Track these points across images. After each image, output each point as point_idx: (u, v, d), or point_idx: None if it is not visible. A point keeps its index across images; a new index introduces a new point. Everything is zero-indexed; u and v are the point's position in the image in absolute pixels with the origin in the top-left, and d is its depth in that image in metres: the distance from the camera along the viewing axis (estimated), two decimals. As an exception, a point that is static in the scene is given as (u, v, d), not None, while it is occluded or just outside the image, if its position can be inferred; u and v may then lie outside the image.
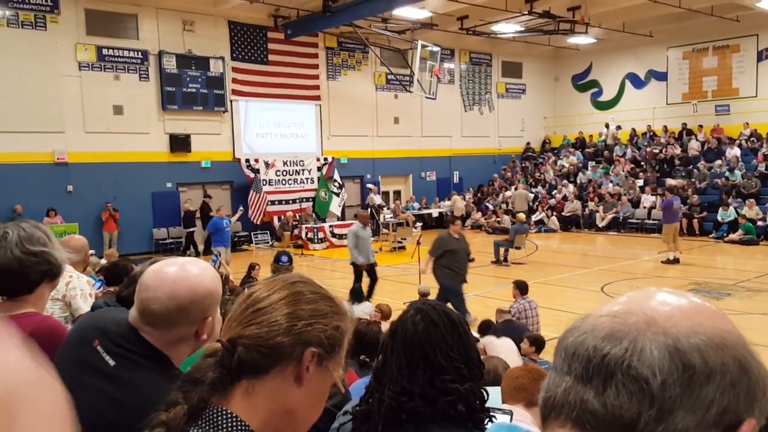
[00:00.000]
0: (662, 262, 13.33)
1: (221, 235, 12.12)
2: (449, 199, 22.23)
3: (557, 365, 0.67)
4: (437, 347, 1.44)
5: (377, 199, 20.00)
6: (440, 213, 21.84)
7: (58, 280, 1.83)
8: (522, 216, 15.90)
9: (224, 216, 12.95)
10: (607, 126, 23.43)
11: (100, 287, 4.10)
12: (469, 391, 1.41)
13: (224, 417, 0.91)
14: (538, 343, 5.46)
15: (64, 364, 1.36)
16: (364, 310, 7.45)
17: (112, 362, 1.35)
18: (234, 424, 0.90)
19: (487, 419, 1.42)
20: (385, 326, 5.69)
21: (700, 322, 0.63)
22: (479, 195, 23.03)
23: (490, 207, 21.52)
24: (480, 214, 21.23)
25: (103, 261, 6.60)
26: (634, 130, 22.63)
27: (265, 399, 0.95)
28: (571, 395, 0.63)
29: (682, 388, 0.60)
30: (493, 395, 1.55)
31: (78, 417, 1.29)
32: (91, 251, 4.65)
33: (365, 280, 9.73)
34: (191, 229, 16.51)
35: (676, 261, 13.17)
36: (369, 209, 19.84)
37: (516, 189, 20.87)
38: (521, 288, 7.51)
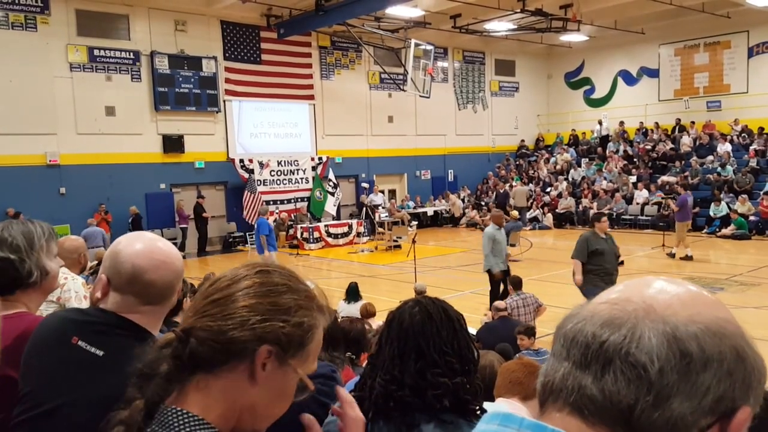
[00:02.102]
0: (681, 258, 13.13)
1: (271, 238, 12.04)
2: (444, 198, 22.26)
3: (556, 351, 0.67)
4: (431, 340, 1.46)
5: (378, 200, 19.97)
6: (435, 212, 21.86)
7: (52, 286, 1.80)
8: (515, 213, 15.94)
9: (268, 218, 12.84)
10: (600, 123, 23.51)
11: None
12: (459, 386, 1.42)
13: (174, 416, 0.86)
14: (530, 332, 5.51)
15: (46, 372, 1.33)
16: (359, 309, 7.42)
17: (100, 352, 1.30)
18: (185, 421, 0.85)
19: (480, 411, 1.43)
20: (375, 323, 5.69)
21: (698, 311, 0.63)
22: (476, 193, 23.07)
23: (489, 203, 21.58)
24: (475, 212, 21.27)
25: (94, 263, 6.58)
26: (623, 125, 22.73)
27: (219, 394, 0.88)
28: (569, 380, 0.64)
29: (680, 375, 0.60)
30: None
31: (87, 418, 1.27)
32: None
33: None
34: None
35: (672, 256, 13.27)
36: (363, 209, 19.86)
37: (515, 186, 20.95)
38: (515, 283, 7.53)
